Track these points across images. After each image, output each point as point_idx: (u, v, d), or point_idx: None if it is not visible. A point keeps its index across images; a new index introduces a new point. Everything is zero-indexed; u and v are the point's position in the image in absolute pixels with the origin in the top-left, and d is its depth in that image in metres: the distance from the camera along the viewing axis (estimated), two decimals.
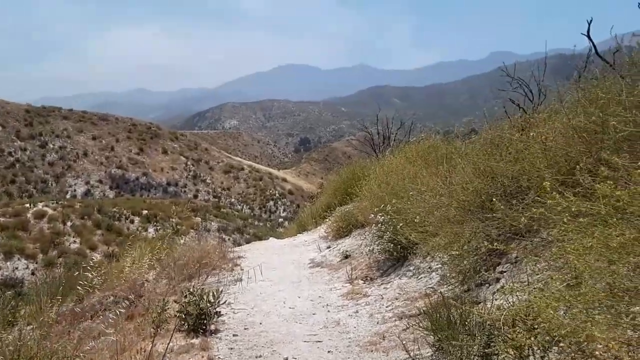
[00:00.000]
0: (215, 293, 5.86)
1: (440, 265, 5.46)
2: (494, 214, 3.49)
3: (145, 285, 8.15)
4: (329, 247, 9.47)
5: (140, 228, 35.84)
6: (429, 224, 5.23)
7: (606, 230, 1.95)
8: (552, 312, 1.94)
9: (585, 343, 2.05)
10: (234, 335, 5.49)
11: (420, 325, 3.97)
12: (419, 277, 5.68)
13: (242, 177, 73.85)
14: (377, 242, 6.90)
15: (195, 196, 65.75)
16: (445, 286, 5.03)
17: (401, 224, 6.03)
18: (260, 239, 20.80)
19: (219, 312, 5.78)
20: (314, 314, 5.93)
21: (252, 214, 64.49)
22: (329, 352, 4.58)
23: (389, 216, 6.31)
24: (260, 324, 5.81)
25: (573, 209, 2.10)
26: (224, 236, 36.28)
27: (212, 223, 40.70)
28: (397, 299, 5.44)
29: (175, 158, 73.76)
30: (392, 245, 6.37)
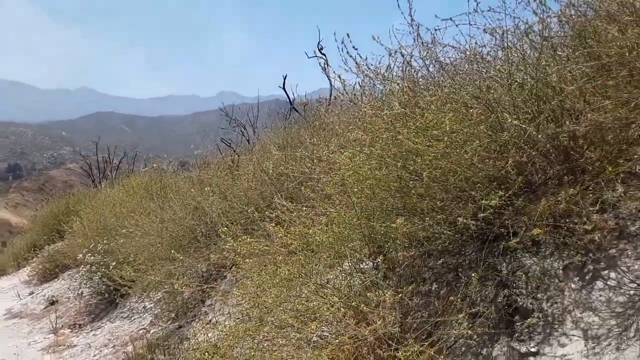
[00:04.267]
0: None
1: (153, 305, 5.32)
2: (198, 253, 3.60)
3: None
4: (31, 293, 8.20)
5: None
6: (142, 262, 5.07)
7: (275, 267, 2.23)
8: (227, 348, 2.09)
9: None
10: None
11: None
12: (132, 319, 5.41)
13: None
14: (87, 285, 6.31)
15: None
16: (157, 326, 4.91)
17: (114, 264, 5.67)
18: None
19: None
20: None
21: None
22: None
23: (100, 255, 5.86)
24: None
25: (245, 250, 2.34)
26: None
27: None
28: (106, 345, 5.04)
29: None
30: (104, 286, 5.92)
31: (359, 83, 2.74)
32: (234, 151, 5.97)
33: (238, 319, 2.37)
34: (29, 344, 5.95)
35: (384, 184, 2.24)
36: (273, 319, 2.20)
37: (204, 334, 3.02)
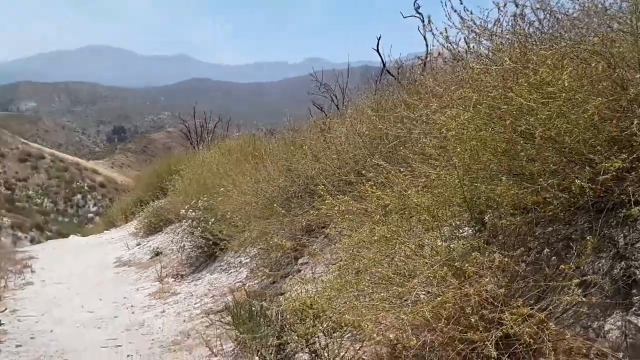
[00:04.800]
0: None
1: (249, 260, 5.60)
2: (293, 212, 3.71)
3: None
4: (138, 244, 8.98)
5: None
6: (239, 219, 5.33)
7: (372, 226, 2.24)
8: (329, 300, 2.16)
9: (359, 327, 2.30)
10: (17, 346, 4.86)
11: (223, 320, 4.02)
12: (229, 272, 5.74)
13: (43, 167, 65.24)
14: (188, 239, 6.77)
15: None
16: (253, 280, 5.18)
17: (212, 220, 6.02)
18: (64, 236, 18.70)
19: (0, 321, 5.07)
20: (116, 317, 5.58)
21: (55, 208, 57.50)
22: (128, 356, 4.34)
23: (200, 212, 6.25)
24: (51, 331, 5.25)
25: (342, 208, 2.36)
26: (19, 234, 31.81)
27: (5, 219, 35.26)
28: (206, 295, 5.42)
29: None
30: (203, 241, 6.32)
31: (464, 39, 2.61)
32: (326, 115, 6.02)
33: (335, 272, 2.43)
34: (137, 290, 6.55)
35: (490, 145, 2.14)
36: (372, 273, 2.23)
37: (300, 287, 3.14)
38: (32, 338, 5.07)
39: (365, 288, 2.11)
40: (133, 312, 5.62)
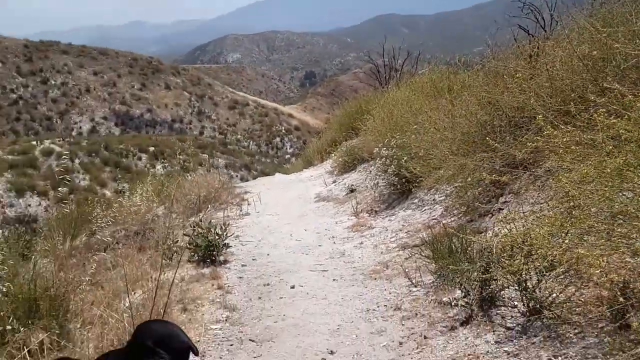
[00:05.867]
0: (222, 226, 6.03)
1: (443, 198, 5.54)
2: (496, 147, 3.49)
3: (155, 219, 8.35)
4: (334, 182, 9.57)
5: (148, 165, 36.14)
6: (433, 157, 5.26)
7: (601, 158, 1.97)
8: (547, 237, 2.00)
9: (580, 267, 2.11)
10: (242, 265, 5.69)
11: (422, 253, 4.09)
12: (423, 210, 5.78)
13: (248, 113, 73.22)
14: (381, 176, 6.96)
15: (201, 133, 65.64)
16: (448, 217, 5.13)
17: (405, 158, 6.06)
18: (267, 175, 21.00)
19: (227, 244, 5.96)
20: (320, 245, 6.11)
21: (258, 150, 64.57)
22: (334, 280, 4.76)
23: (393, 150, 6.33)
24: (268, 255, 6.01)
25: (566, 140, 2.11)
26: (231, 173, 36.64)
27: (219, 160, 40.91)
28: (400, 230, 5.57)
29: (178, 94, 72.90)
30: (396, 178, 6.43)
31: None
32: (533, 37, 5.41)
33: (555, 208, 2.24)
34: (336, 223, 7.04)
35: None
36: (600, 209, 1.99)
37: (505, 225, 3.00)
38: (253, 259, 5.89)
39: (596, 224, 1.89)
40: (334, 242, 6.09)
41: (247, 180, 23.35)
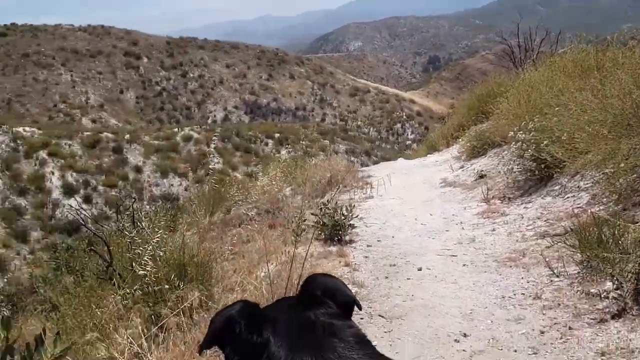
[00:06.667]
0: (348, 207, 6.14)
1: (590, 185, 5.06)
2: None
3: (283, 199, 8.78)
4: (462, 167, 9.23)
5: (273, 150, 38.03)
6: (579, 140, 4.82)
7: None
8: None
9: None
10: (367, 245, 5.76)
11: (567, 242, 3.79)
12: (565, 197, 5.33)
13: (368, 100, 73.40)
14: (516, 162, 6.55)
15: (323, 120, 67.33)
16: (596, 206, 4.68)
17: (546, 142, 5.63)
18: (388, 160, 20.91)
19: (353, 224, 6.06)
20: (447, 230, 5.95)
21: (379, 136, 64.56)
22: (464, 265, 4.61)
23: (531, 134, 5.90)
24: (393, 237, 6.00)
25: None
26: (352, 158, 37.11)
27: (340, 146, 41.66)
28: (539, 218, 5.20)
29: (302, 83, 75.39)
30: (534, 164, 6.01)
31: None
32: None
33: None
34: (464, 208, 6.79)
35: None
36: None
37: None
38: (378, 241, 5.92)
39: None
40: (463, 228, 5.89)
41: (367, 166, 23.51)
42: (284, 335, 0.77)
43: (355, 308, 0.90)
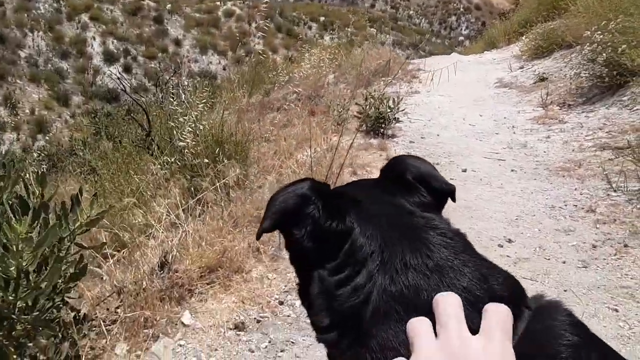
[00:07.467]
0: (394, 100, 5.83)
1: None
2: None
3: (326, 86, 8.47)
4: (521, 68, 8.57)
5: (317, 35, 36.53)
6: None
7: None
8: None
9: None
10: (410, 142, 5.54)
11: (632, 157, 3.48)
12: (634, 109, 4.87)
13: None
14: (585, 66, 5.96)
15: (372, 5, 63.44)
16: None
17: (625, 46, 5.03)
18: (436, 55, 19.71)
19: (397, 118, 5.79)
20: (496, 133, 5.64)
21: (430, 29, 60.87)
22: (512, 170, 4.38)
23: (611, 35, 5.27)
24: (438, 135, 5.74)
25: None
26: (397, 51, 35.41)
27: (388, 36, 39.57)
28: (600, 129, 4.81)
29: None
30: (606, 70, 5.45)
31: None
32: None
33: None
34: (518, 112, 6.38)
35: None
36: None
37: None
38: (422, 138, 5.68)
39: None
40: (514, 132, 5.56)
41: (414, 60, 22.36)
42: (371, 224, 0.59)
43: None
